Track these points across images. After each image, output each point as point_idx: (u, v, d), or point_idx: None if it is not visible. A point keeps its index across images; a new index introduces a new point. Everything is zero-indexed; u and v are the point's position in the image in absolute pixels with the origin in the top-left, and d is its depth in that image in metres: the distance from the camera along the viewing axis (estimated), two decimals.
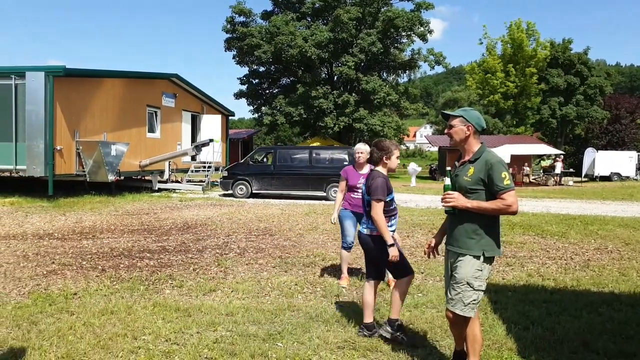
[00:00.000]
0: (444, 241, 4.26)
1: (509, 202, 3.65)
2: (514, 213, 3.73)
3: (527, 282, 7.22)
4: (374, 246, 4.93)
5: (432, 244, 4.32)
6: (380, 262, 4.95)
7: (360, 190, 6.87)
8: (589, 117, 51.53)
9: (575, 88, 51.58)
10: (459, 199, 3.77)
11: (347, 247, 7.04)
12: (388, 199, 4.89)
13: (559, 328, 5.22)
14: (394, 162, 5.05)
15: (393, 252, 4.68)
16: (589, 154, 39.27)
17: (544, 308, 5.89)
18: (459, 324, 3.95)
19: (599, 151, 40.11)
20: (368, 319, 5.03)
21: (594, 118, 51.47)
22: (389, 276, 6.98)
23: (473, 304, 3.81)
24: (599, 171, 38.20)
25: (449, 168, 4.01)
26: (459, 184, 3.86)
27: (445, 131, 4.04)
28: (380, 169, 5.05)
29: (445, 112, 4.07)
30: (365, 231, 5.03)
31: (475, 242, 3.80)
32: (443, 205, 3.88)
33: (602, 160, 38.40)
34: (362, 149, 6.92)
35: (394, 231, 5.03)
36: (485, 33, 51.18)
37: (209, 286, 6.75)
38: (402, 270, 4.88)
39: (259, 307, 5.82)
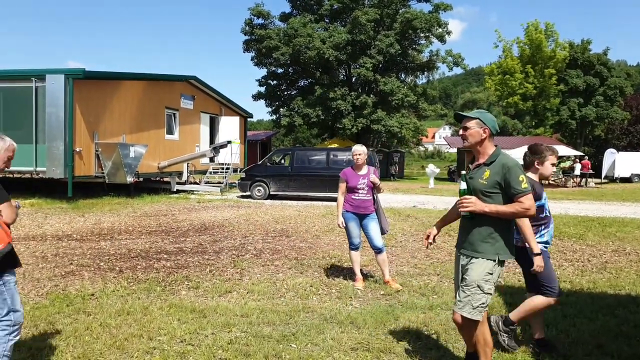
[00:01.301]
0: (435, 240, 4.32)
1: (527, 206, 3.64)
2: (532, 216, 3.75)
3: None
4: (520, 259, 4.56)
5: (432, 234, 4.34)
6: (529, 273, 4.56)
7: (361, 192, 6.93)
8: (609, 118, 50.89)
9: (595, 89, 50.98)
10: (476, 204, 3.74)
11: (355, 248, 7.08)
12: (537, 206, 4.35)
13: (574, 330, 5.19)
14: (547, 168, 4.66)
15: (538, 262, 4.35)
16: (610, 155, 38.84)
17: (559, 310, 5.83)
18: (467, 327, 3.92)
19: (620, 152, 39.65)
20: (538, 334, 4.77)
21: (614, 119, 50.84)
22: (386, 276, 7.02)
23: (481, 307, 3.79)
24: (619, 172, 37.77)
25: (464, 172, 3.98)
26: (474, 187, 3.84)
27: (460, 132, 4.00)
28: (530, 174, 4.64)
29: (460, 113, 4.03)
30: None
31: (490, 246, 3.77)
32: (460, 210, 3.84)
33: (623, 162, 37.96)
34: (360, 151, 6.99)
35: (546, 241, 4.64)
36: (499, 36, 50.74)
37: (225, 287, 6.80)
38: (546, 286, 4.57)
39: (274, 309, 5.85)
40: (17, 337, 3.73)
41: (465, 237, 3.93)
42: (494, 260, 3.76)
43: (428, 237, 4.36)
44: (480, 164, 3.89)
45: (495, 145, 3.91)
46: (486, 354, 3.93)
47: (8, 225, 3.57)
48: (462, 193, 3.84)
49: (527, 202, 3.64)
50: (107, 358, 4.47)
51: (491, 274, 3.78)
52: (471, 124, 3.88)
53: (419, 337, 4.99)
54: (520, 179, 3.67)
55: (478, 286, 3.77)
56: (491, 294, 3.83)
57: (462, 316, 3.84)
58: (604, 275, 7.79)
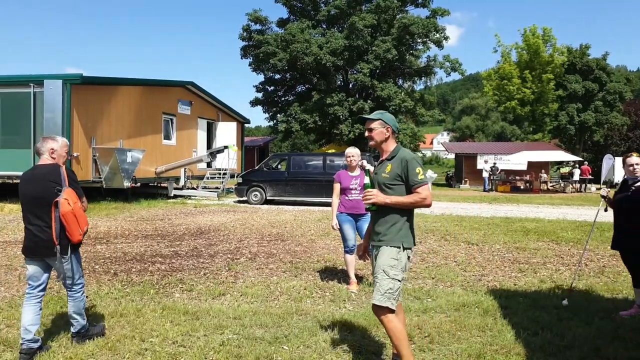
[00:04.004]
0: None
1: (424, 195, 3.92)
2: (429, 206, 4.00)
3: (539, 288, 7.17)
4: None
5: (362, 249, 4.53)
6: None
7: (354, 192, 6.97)
8: (608, 123, 50.90)
9: (594, 94, 51.01)
10: (378, 196, 3.99)
11: (350, 251, 7.08)
12: None
13: (569, 334, 5.16)
14: None
15: None
16: (607, 161, 38.84)
17: (554, 314, 5.82)
18: (379, 316, 3.98)
19: (618, 157, 39.62)
20: None
21: (614, 124, 50.83)
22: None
23: (389, 293, 3.89)
24: (619, 178, 37.72)
25: (368, 167, 4.14)
26: (377, 181, 4.11)
27: (366, 134, 4.25)
28: None
29: (363, 116, 4.33)
30: None
31: (394, 234, 4.00)
32: (364, 203, 4.06)
33: (622, 167, 37.92)
34: (353, 152, 7.11)
35: None
36: (499, 41, 50.91)
37: (219, 290, 6.79)
38: None
39: (267, 311, 5.84)
40: None
41: (373, 228, 4.16)
42: (399, 247, 3.97)
43: (360, 250, 4.55)
44: (384, 159, 4.19)
45: (397, 143, 4.24)
46: (402, 345, 3.92)
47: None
48: (366, 187, 4.09)
49: (424, 192, 3.93)
50: (99, 359, 4.46)
51: (397, 259, 3.96)
52: (375, 125, 4.17)
53: (412, 340, 4.95)
54: (417, 170, 3.96)
55: (383, 271, 3.93)
56: (399, 281, 3.95)
57: (374, 305, 3.96)
58: (601, 279, 7.77)
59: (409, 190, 3.98)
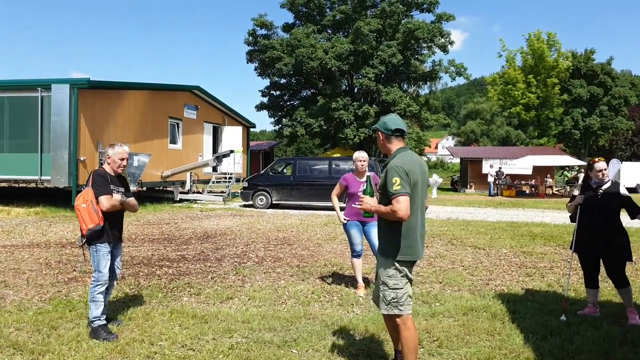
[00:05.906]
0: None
1: (395, 208, 3.74)
2: (401, 219, 3.78)
3: (547, 293, 7.15)
4: None
5: None
6: None
7: None
8: (613, 128, 50.76)
9: (599, 99, 50.88)
10: (368, 202, 3.92)
11: (357, 256, 7.09)
12: None
13: (578, 338, 5.15)
14: None
15: None
16: (614, 165, 38.59)
17: None
18: (390, 324, 4.08)
19: (624, 162, 39.54)
20: None
21: (619, 129, 50.68)
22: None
23: (394, 302, 3.91)
24: (625, 182, 37.63)
25: (368, 174, 4.12)
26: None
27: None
28: None
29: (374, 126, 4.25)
30: None
31: (386, 244, 3.96)
32: (358, 209, 4.07)
33: (628, 172, 37.87)
34: (364, 157, 7.03)
35: None
36: (503, 46, 50.96)
37: (227, 294, 6.80)
38: None
39: (275, 315, 5.84)
40: (103, 289, 5.15)
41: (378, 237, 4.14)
42: (393, 258, 3.90)
43: None
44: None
45: (397, 148, 4.07)
46: (410, 351, 3.97)
47: (104, 212, 5.08)
48: (364, 193, 4.04)
49: (397, 204, 3.74)
50: None
51: (393, 269, 3.91)
52: (378, 134, 4.14)
53: (421, 344, 4.95)
54: (394, 181, 3.78)
55: (383, 282, 3.94)
56: (400, 289, 3.92)
57: (383, 314, 4.01)
58: (609, 284, 7.69)
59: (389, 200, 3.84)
